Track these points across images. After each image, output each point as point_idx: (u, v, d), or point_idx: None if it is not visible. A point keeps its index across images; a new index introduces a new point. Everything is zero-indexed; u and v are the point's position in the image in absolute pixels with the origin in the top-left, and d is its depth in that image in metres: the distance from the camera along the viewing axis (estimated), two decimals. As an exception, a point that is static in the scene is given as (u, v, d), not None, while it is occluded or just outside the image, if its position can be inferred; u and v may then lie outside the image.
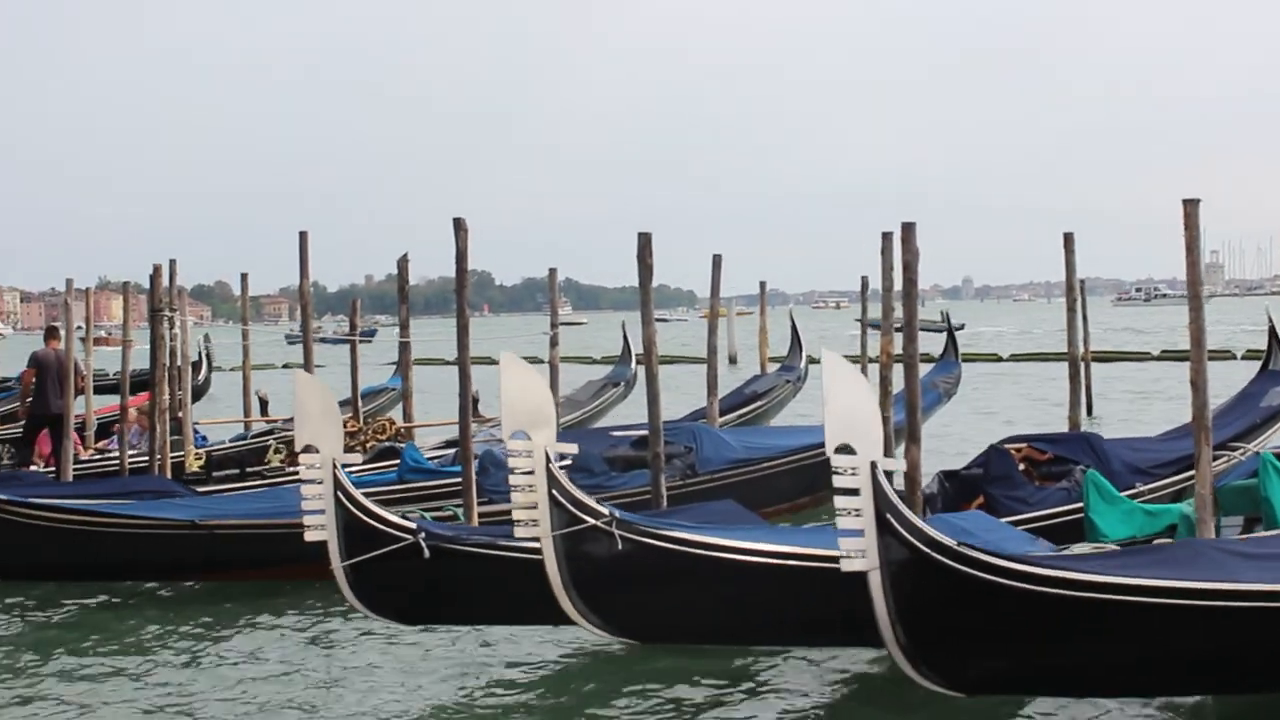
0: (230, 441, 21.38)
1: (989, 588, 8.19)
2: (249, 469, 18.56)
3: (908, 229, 13.04)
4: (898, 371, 13.51)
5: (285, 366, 52.92)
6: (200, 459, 19.25)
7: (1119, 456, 13.57)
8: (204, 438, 21.14)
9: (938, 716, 9.38)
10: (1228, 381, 18.93)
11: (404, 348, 21.51)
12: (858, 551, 8.04)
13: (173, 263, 20.22)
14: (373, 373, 29.92)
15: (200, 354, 31.56)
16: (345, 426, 13.20)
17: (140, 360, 23.17)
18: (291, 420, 16.95)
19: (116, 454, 19.11)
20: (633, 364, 26.43)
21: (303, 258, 20.11)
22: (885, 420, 11.46)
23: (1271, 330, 16.66)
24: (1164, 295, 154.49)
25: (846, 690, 10.28)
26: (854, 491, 7.98)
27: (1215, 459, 12.17)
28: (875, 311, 20.08)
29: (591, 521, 9.72)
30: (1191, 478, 11.92)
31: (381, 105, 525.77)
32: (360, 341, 24.36)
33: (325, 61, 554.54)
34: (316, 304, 24.38)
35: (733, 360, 49.31)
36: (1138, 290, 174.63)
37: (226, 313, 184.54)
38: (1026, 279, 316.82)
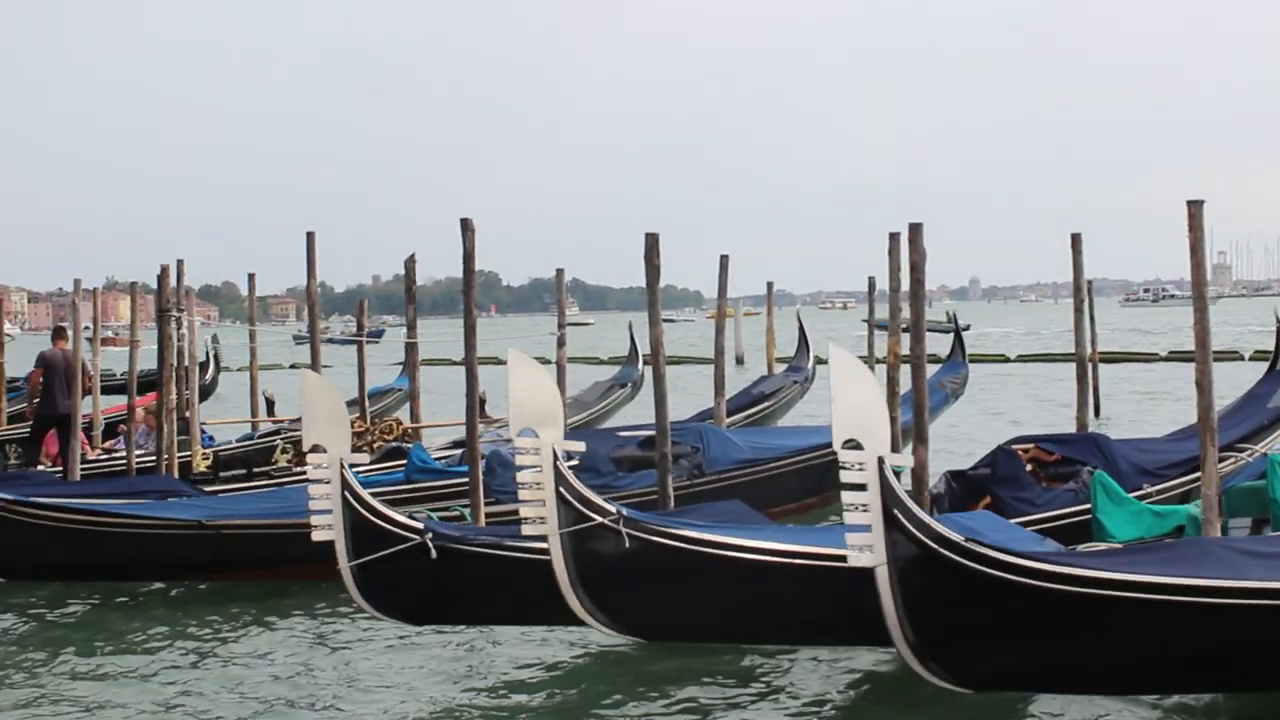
0: (237, 442, 21.39)
1: (997, 584, 8.19)
2: (256, 469, 18.56)
3: (915, 230, 13.04)
4: (905, 372, 13.51)
5: (293, 367, 52.92)
6: (208, 459, 19.26)
7: (1126, 457, 13.56)
8: (211, 438, 21.14)
9: (946, 715, 9.38)
10: (1235, 383, 18.92)
11: (411, 348, 21.50)
12: (865, 547, 8.05)
13: (180, 263, 20.21)
14: (380, 373, 29.94)
15: (208, 354, 31.58)
16: (352, 427, 13.19)
17: (148, 361, 23.20)
18: (298, 420, 16.99)
19: (123, 454, 19.13)
20: (639, 365, 26.45)
21: (310, 258, 20.14)
22: (893, 421, 11.46)
23: (1279, 331, 16.63)
24: (1172, 296, 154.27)
25: (854, 688, 10.28)
26: (861, 487, 8.00)
27: (1222, 460, 12.20)
28: (882, 312, 20.08)
29: (599, 519, 9.72)
30: (1197, 479, 11.93)
31: (382, 105, 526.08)
32: (368, 342, 24.38)
33: (325, 61, 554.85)
34: (324, 304, 24.40)
35: (740, 361, 49.28)
36: (1145, 291, 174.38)
37: (234, 313, 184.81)
38: (1033, 280, 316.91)
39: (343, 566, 10.41)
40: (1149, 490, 12.86)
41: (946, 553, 8.15)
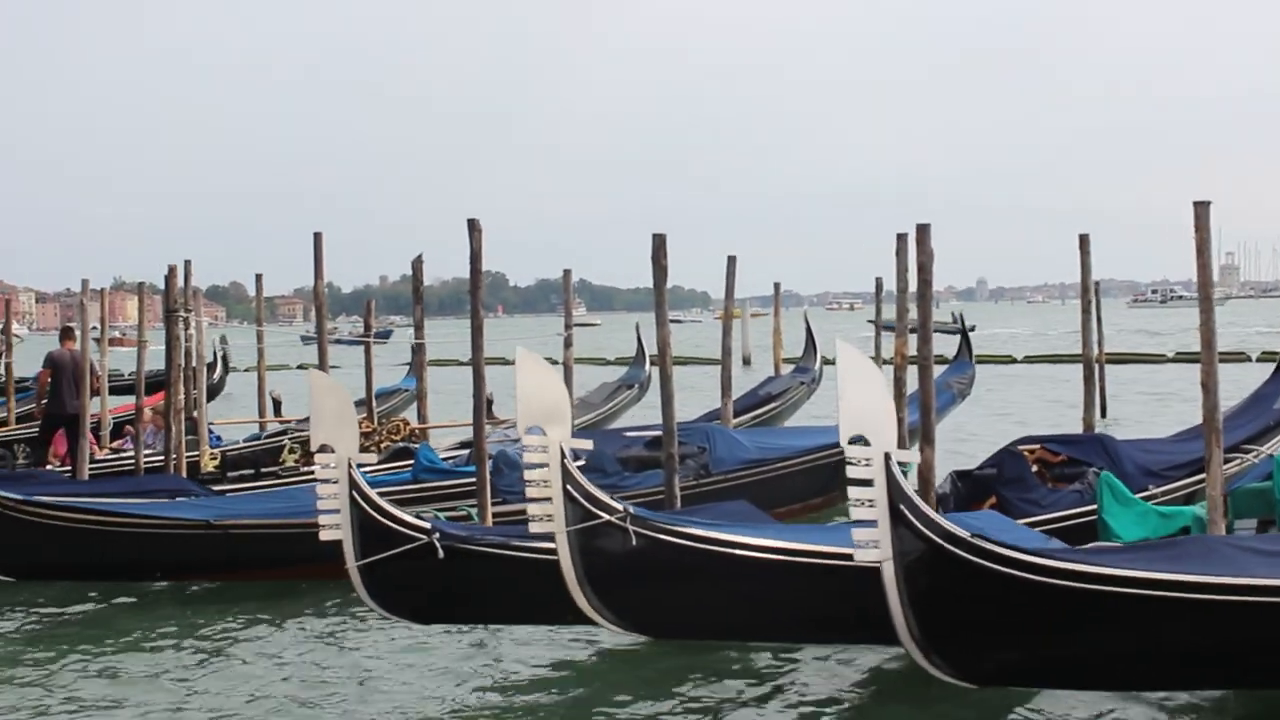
0: (244, 442, 21.43)
1: (1003, 580, 8.22)
2: (264, 469, 18.60)
3: (922, 230, 13.04)
4: (911, 372, 13.51)
5: (300, 367, 52.97)
6: (215, 459, 19.30)
7: (1132, 458, 13.55)
8: (218, 438, 21.18)
9: (953, 713, 9.40)
10: (1243, 384, 18.89)
11: (418, 349, 21.54)
12: (871, 542, 8.09)
13: (188, 263, 20.29)
14: (387, 374, 29.95)
15: (216, 355, 31.63)
16: (360, 427, 13.22)
17: (156, 361, 23.25)
18: (306, 420, 17.02)
19: (131, 454, 19.16)
20: (647, 366, 26.44)
21: (317, 259, 20.16)
22: (900, 421, 11.47)
23: None
24: (1180, 297, 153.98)
25: (861, 686, 10.30)
26: (867, 483, 8.04)
27: (1228, 461, 12.19)
28: (889, 313, 20.07)
29: (606, 517, 9.74)
30: (1203, 480, 11.93)
31: (382, 105, 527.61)
32: (375, 342, 24.40)
33: (325, 61, 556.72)
34: (331, 305, 24.46)
35: (746, 361, 49.28)
36: (1153, 292, 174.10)
37: (241, 313, 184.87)
38: (1041, 281, 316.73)
39: (350, 566, 10.43)
40: (1154, 491, 12.85)
41: (952, 548, 8.18)
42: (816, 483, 16.44)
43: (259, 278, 26.51)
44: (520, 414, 9.63)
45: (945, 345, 24.95)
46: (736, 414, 20.47)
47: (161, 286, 19.64)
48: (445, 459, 16.80)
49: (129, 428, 21.30)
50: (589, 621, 10.20)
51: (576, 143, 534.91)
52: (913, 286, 13.45)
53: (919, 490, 11.91)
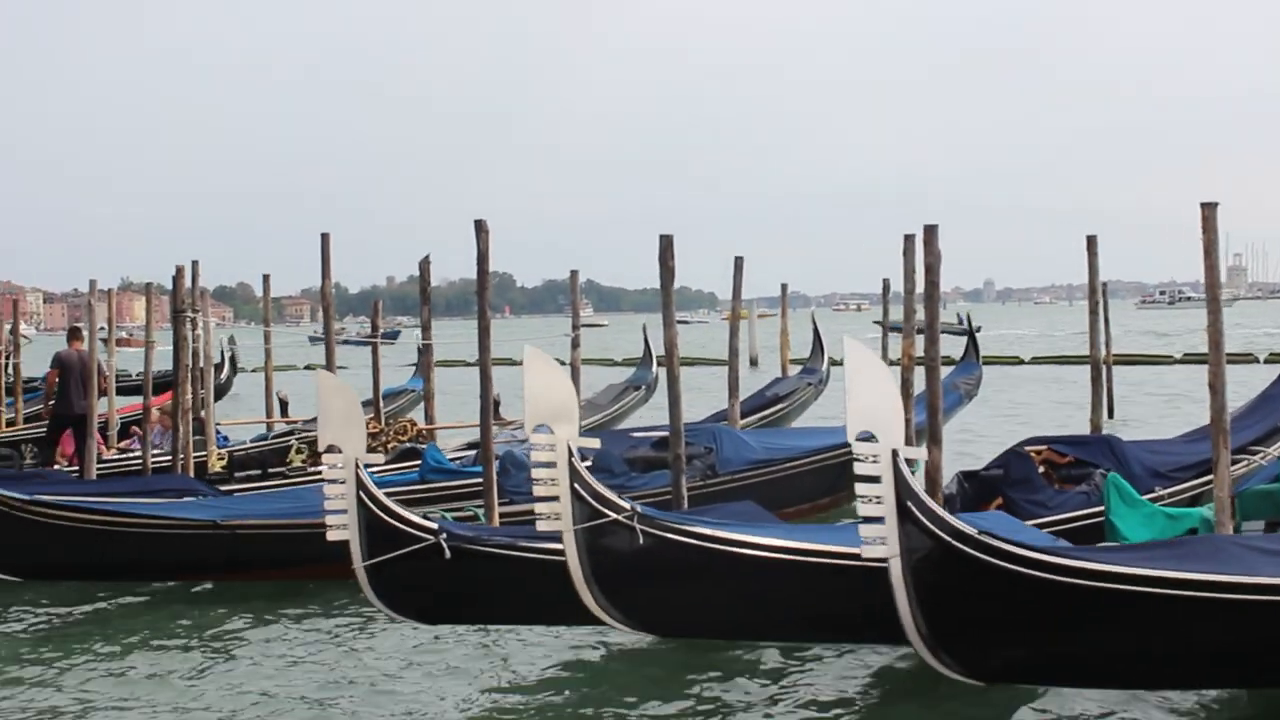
0: (251, 442, 21.45)
1: (1010, 577, 8.22)
2: (271, 469, 18.61)
3: (930, 231, 13.04)
4: (919, 373, 13.51)
5: (307, 368, 53.00)
6: (223, 459, 19.32)
7: (1139, 460, 13.53)
8: (225, 438, 21.21)
9: (962, 712, 9.39)
10: (1250, 386, 18.90)
11: (426, 349, 21.54)
12: (878, 539, 8.10)
13: (195, 264, 20.28)
14: (394, 374, 29.99)
15: (224, 355, 31.65)
16: (367, 427, 13.23)
17: (163, 362, 23.27)
18: (313, 421, 17.02)
19: (138, 454, 19.18)
20: (654, 367, 26.43)
21: (325, 259, 20.17)
22: (907, 422, 11.47)
23: None
24: (1188, 298, 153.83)
25: (868, 685, 10.30)
26: (875, 479, 8.04)
27: (1235, 463, 12.18)
28: (896, 314, 20.05)
29: (613, 516, 9.75)
30: (1209, 482, 11.92)
31: (382, 105, 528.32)
32: (383, 343, 24.40)
33: (326, 61, 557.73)
34: (338, 305, 24.41)
35: (754, 362, 49.28)
36: (1161, 293, 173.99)
37: (248, 314, 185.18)
38: (1048, 281, 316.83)
39: (357, 566, 10.43)
40: (1161, 493, 12.85)
41: (960, 545, 8.19)
42: (823, 483, 16.44)
43: (266, 278, 26.54)
44: (528, 413, 9.64)
45: (952, 346, 24.97)
46: (744, 415, 20.46)
47: (169, 287, 19.68)
48: (453, 460, 16.81)
49: (135, 428, 21.33)
50: (596, 622, 10.20)
51: (577, 143, 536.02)
52: (920, 287, 13.44)
53: (926, 490, 11.91)
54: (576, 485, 9.64)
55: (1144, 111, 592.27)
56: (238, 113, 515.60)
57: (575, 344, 21.22)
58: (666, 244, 13.88)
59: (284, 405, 25.38)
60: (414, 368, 29.13)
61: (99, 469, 18.13)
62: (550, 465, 9.59)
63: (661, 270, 13.91)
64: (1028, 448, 13.74)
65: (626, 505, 9.85)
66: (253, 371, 37.92)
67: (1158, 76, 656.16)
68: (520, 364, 9.69)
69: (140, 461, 18.75)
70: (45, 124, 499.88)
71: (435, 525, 10.54)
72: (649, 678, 10.53)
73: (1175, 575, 8.23)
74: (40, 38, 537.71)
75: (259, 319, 30.49)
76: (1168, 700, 9.44)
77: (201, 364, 20.71)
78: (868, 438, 8.08)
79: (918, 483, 8.29)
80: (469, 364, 42.40)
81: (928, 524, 8.13)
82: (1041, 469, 13.41)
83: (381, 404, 22.17)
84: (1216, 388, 10.78)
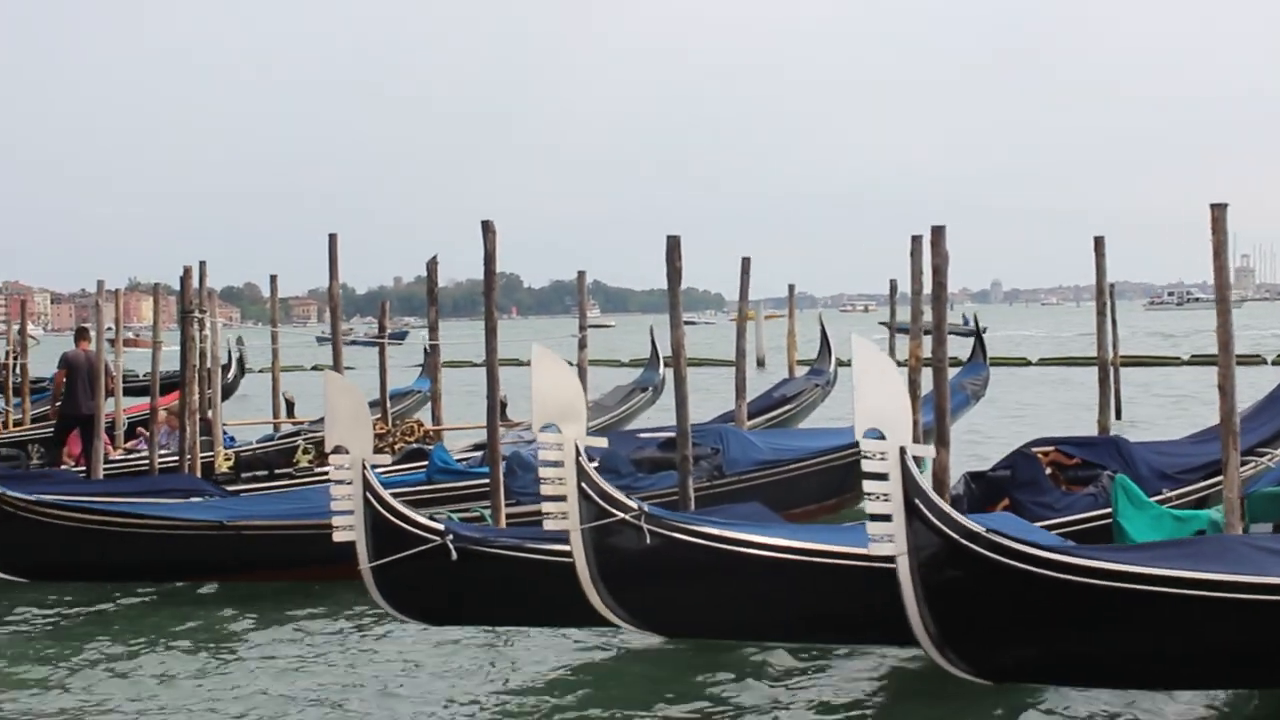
0: (258, 442, 21.45)
1: (1018, 576, 8.21)
2: (278, 470, 18.62)
3: (938, 232, 13.01)
4: (926, 374, 13.49)
5: (315, 368, 53.08)
6: (230, 460, 19.32)
7: (1146, 461, 13.49)
8: (232, 439, 21.22)
9: (971, 712, 9.37)
10: (1258, 387, 18.84)
11: (433, 350, 21.54)
12: (886, 536, 8.10)
13: (203, 264, 20.29)
14: (402, 375, 29.98)
15: (231, 355, 31.66)
16: (374, 428, 13.23)
17: (171, 362, 23.28)
18: (319, 421, 17.00)
19: (145, 454, 19.19)
20: (660, 369, 26.39)
21: (332, 260, 20.17)
22: (914, 424, 11.45)
23: None
24: (1196, 299, 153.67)
25: (877, 685, 10.27)
26: (883, 476, 8.03)
27: (1243, 464, 12.13)
28: (903, 315, 20.03)
29: (620, 515, 9.75)
30: (1217, 484, 11.89)
31: (382, 105, 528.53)
32: (391, 343, 24.39)
33: (328, 61, 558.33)
34: (345, 306, 24.48)
35: (760, 363, 49.24)
36: (1170, 294, 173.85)
37: (255, 314, 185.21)
38: (1055, 283, 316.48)
39: (363, 567, 10.44)
40: (1168, 495, 12.80)
41: (968, 544, 8.17)
42: (830, 484, 16.42)
43: (274, 279, 26.55)
44: (536, 411, 9.64)
45: (959, 347, 24.94)
46: (751, 416, 20.43)
47: (176, 287, 19.68)
48: (460, 461, 16.80)
49: (141, 429, 21.34)
50: (603, 624, 10.20)
51: (578, 143, 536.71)
52: (927, 288, 13.42)
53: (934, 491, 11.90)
54: (584, 484, 9.64)
55: (1163, 113, 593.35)
56: (240, 113, 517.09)
57: (582, 345, 21.22)
58: (673, 245, 13.85)
59: (290, 406, 25.39)
60: (420, 368, 29.09)
61: (106, 469, 18.15)
62: (558, 464, 9.59)
63: (669, 271, 13.88)
64: (1035, 449, 13.70)
65: (634, 505, 9.85)
66: (260, 372, 37.87)
67: (1177, 76, 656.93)
68: (527, 364, 9.68)
69: (147, 462, 18.75)
70: (50, 124, 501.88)
71: (441, 526, 10.54)
72: (656, 678, 10.51)
73: (1185, 575, 8.22)
74: (41, 38, 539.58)
75: (266, 319, 30.50)
76: (1177, 700, 9.41)
77: (209, 364, 20.72)
78: (876, 435, 8.07)
79: (926, 481, 8.28)
80: (476, 365, 42.40)
81: (936, 522, 8.12)
82: (1048, 470, 13.38)
83: (389, 404, 22.17)
84: (1226, 389, 10.76)
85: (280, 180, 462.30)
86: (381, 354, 22.96)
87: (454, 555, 10.36)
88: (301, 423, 22.72)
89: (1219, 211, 10.90)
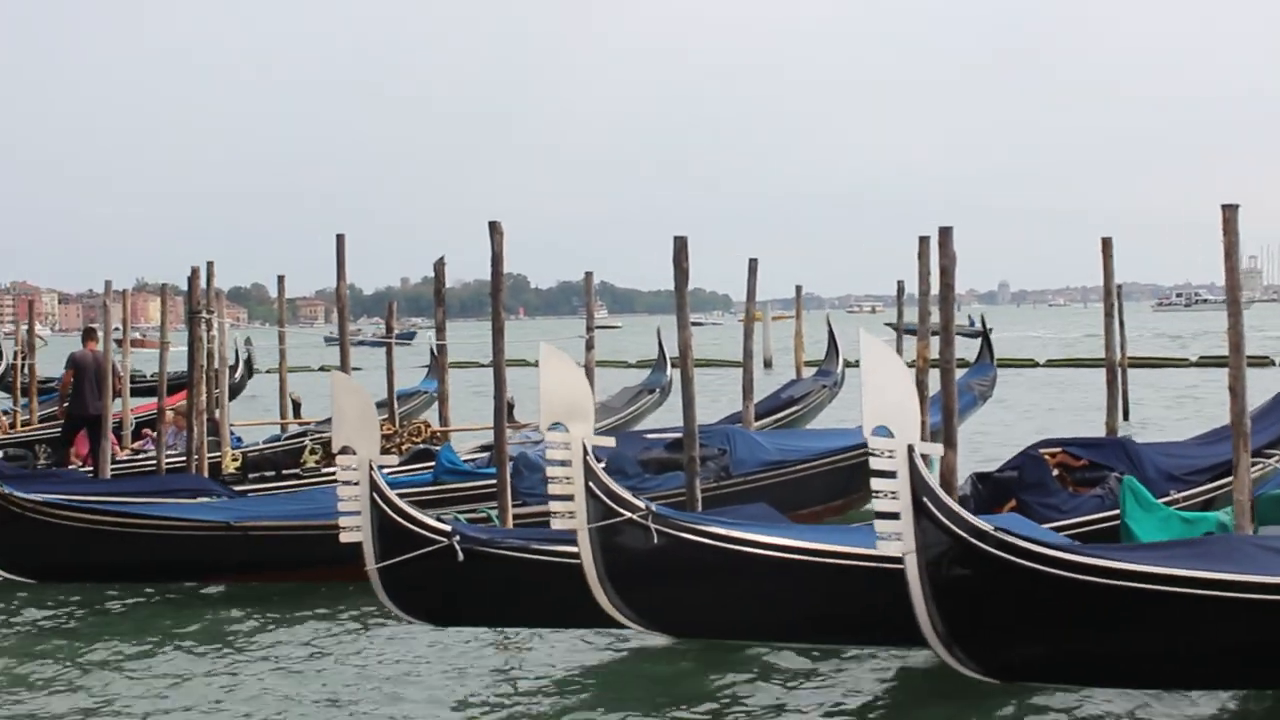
0: (265, 443, 21.46)
1: (1029, 574, 8.21)
2: (285, 470, 18.63)
3: (945, 233, 13.01)
4: (933, 375, 13.47)
5: (322, 369, 53.06)
6: (237, 460, 19.33)
7: (1153, 463, 13.47)
8: (239, 439, 21.23)
9: (978, 710, 9.35)
10: (1265, 389, 18.81)
11: (440, 350, 21.54)
12: (894, 534, 8.09)
13: (210, 265, 20.31)
14: (408, 375, 30.00)
15: (238, 356, 31.67)
16: (381, 429, 13.23)
17: (178, 363, 23.29)
18: (327, 422, 16.99)
19: (152, 454, 19.21)
20: (668, 371, 26.38)
21: (339, 260, 20.18)
22: (921, 425, 11.45)
23: None
24: (1204, 300, 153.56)
25: (884, 685, 10.23)
26: (891, 474, 8.02)
27: (1250, 466, 12.12)
28: (911, 316, 20.00)
29: (628, 514, 9.75)
30: (1225, 485, 11.87)
31: (382, 105, 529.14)
32: (399, 344, 24.38)
33: (328, 61, 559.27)
34: (353, 307, 24.44)
35: (768, 364, 49.23)
36: (1178, 295, 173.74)
37: (263, 315, 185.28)
38: (1063, 284, 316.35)
39: (370, 568, 10.44)
40: (1175, 496, 12.79)
41: (977, 542, 8.17)
42: (837, 485, 16.39)
43: (281, 279, 26.55)
44: (543, 410, 9.64)
45: (966, 349, 24.94)
46: (758, 417, 20.40)
47: (183, 288, 19.69)
48: (467, 461, 16.80)
49: (146, 430, 21.36)
50: (609, 624, 10.20)
51: (578, 143, 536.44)
52: (935, 289, 13.41)
53: (941, 492, 11.88)
54: (591, 483, 9.65)
55: (1172, 113, 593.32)
56: (242, 113, 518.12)
57: (589, 346, 21.21)
58: (681, 246, 13.85)
59: (296, 406, 25.41)
60: (427, 369, 29.13)
61: (112, 469, 18.16)
62: (565, 464, 9.59)
63: (676, 272, 13.88)
64: (1042, 450, 13.69)
65: (641, 504, 9.85)
66: (267, 372, 37.92)
67: (1183, 76, 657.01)
68: (534, 365, 9.69)
69: (154, 462, 18.77)
70: (52, 125, 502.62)
71: (448, 527, 10.55)
72: (662, 679, 10.48)
73: (1194, 574, 8.21)
74: (41, 38, 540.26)
75: (273, 320, 30.51)
76: (1186, 700, 9.39)
77: (216, 365, 20.73)
78: (884, 433, 8.06)
79: (934, 479, 8.26)
80: (483, 365, 42.41)
81: (944, 520, 8.12)
82: (1056, 472, 13.37)
83: (396, 405, 22.17)
84: (1237, 390, 10.74)
85: (283, 180, 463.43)
86: (389, 354, 22.96)
87: (460, 556, 10.37)
88: (308, 423, 22.72)
89: (1230, 212, 10.88)
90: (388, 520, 10.35)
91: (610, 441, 10.74)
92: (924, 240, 14.07)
